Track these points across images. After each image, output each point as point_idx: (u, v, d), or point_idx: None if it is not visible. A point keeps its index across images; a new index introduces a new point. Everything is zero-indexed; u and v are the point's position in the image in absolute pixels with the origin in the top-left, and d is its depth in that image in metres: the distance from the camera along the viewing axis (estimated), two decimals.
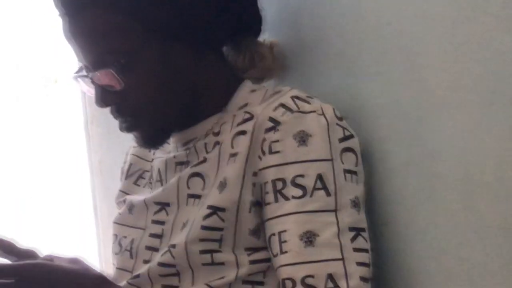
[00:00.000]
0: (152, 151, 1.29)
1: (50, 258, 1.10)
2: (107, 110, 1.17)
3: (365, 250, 1.05)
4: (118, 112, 1.16)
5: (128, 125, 1.17)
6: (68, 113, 2.19)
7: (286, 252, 1.04)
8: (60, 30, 1.17)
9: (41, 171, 2.23)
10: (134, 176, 1.33)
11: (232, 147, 1.12)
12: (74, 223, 2.17)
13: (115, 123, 1.20)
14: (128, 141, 1.39)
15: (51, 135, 2.20)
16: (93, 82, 1.14)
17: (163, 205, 1.19)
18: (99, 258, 1.95)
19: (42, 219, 2.27)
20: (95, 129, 1.93)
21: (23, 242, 1.08)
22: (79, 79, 1.18)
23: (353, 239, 1.04)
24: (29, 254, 1.05)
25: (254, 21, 1.23)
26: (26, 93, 2.32)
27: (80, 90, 1.96)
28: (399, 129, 1.07)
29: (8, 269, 0.90)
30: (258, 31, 1.25)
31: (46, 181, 2.21)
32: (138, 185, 1.31)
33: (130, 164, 1.34)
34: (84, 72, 1.17)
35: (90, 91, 1.18)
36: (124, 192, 1.33)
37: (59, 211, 2.20)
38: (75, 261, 0.98)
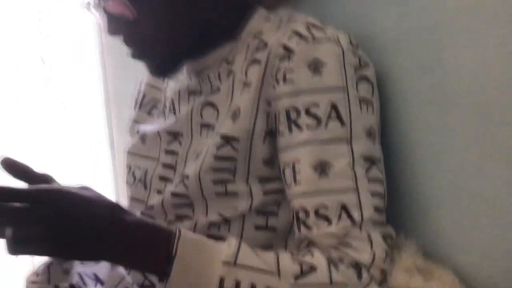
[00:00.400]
0: (166, 80, 1.28)
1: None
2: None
3: (380, 181, 1.04)
4: (130, 41, 1.15)
5: (138, 53, 1.15)
6: (84, 43, 2.17)
7: (299, 182, 1.03)
8: None
9: (57, 99, 2.22)
10: (148, 105, 1.32)
11: (246, 76, 1.10)
12: (91, 153, 2.17)
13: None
14: (143, 70, 1.38)
15: (67, 64, 2.19)
16: (105, 10, 1.12)
17: (176, 135, 1.18)
18: (115, 188, 1.95)
19: (59, 149, 2.28)
20: (110, 58, 1.91)
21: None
22: (91, 7, 1.16)
23: (368, 169, 1.03)
24: (44, 178, 1.04)
25: None
26: None
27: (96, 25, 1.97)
28: (416, 57, 1.05)
29: (23, 194, 0.89)
30: None
31: (63, 112, 2.21)
32: (151, 115, 1.30)
33: (144, 94, 1.33)
34: (95, 1, 1.15)
35: (101, 19, 1.16)
36: (137, 121, 1.32)
37: (76, 141, 2.20)
38: (86, 188, 0.98)
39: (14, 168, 1.01)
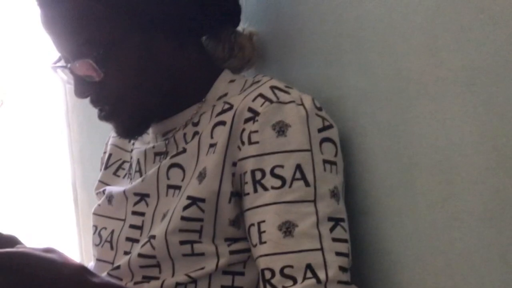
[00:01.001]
0: (132, 141, 1.29)
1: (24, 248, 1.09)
2: (87, 99, 1.17)
3: (344, 240, 1.05)
4: (97, 102, 1.16)
5: (106, 114, 1.16)
6: (49, 102, 2.18)
7: (265, 242, 1.04)
8: (37, 20, 1.16)
9: (22, 160, 2.21)
10: (114, 166, 1.32)
11: (212, 137, 1.12)
12: (55, 212, 2.16)
13: (95, 111, 1.19)
14: (109, 130, 1.39)
15: (32, 124, 2.19)
16: (71, 72, 1.14)
17: (142, 196, 1.18)
18: (80, 248, 1.94)
19: (22, 208, 2.26)
20: (75, 118, 1.92)
21: (2, 230, 1.07)
22: (57, 69, 1.17)
23: (332, 229, 1.04)
24: (10, 240, 1.04)
25: (234, 12, 1.23)
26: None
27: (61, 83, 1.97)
28: (378, 118, 1.07)
29: None
30: (237, 21, 1.25)
31: (27, 170, 2.20)
32: (118, 176, 1.31)
33: (110, 154, 1.34)
34: (62, 63, 1.16)
35: (68, 81, 1.18)
36: (103, 182, 1.33)
37: (40, 200, 2.19)
38: (50, 250, 0.97)
39: None
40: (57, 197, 2.15)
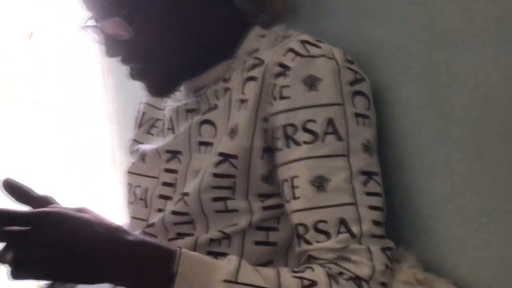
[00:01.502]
0: (164, 99, 1.29)
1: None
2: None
3: (378, 194, 1.04)
4: (127, 61, 1.16)
5: (137, 73, 1.17)
6: (85, 64, 2.19)
7: (298, 197, 1.04)
8: None
9: (61, 123, 2.24)
10: (147, 124, 1.33)
11: (243, 93, 1.11)
12: (95, 173, 2.19)
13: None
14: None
15: (70, 87, 2.20)
16: (101, 31, 1.14)
17: (175, 154, 1.19)
18: (118, 206, 1.96)
19: (62, 170, 2.29)
20: (111, 79, 1.93)
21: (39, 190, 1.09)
22: (88, 29, 1.17)
23: (365, 183, 1.03)
24: (45, 200, 1.05)
25: None
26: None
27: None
28: (412, 71, 1.06)
29: (22, 217, 0.90)
30: None
31: (66, 132, 2.22)
32: (151, 134, 1.31)
33: (143, 113, 1.35)
34: (92, 22, 1.16)
35: (99, 41, 1.18)
36: (137, 141, 1.33)
37: (78, 162, 2.21)
38: (84, 210, 0.98)
39: (15, 190, 1.02)
40: (96, 158, 2.17)
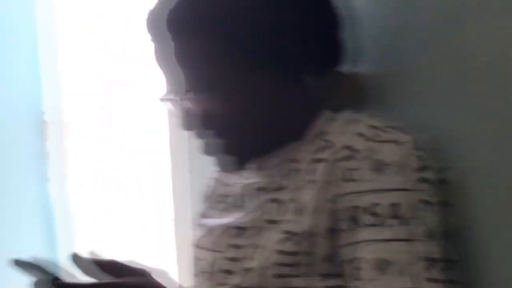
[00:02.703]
0: (233, 176, 1.33)
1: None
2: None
3: (440, 281, 1.05)
4: (203, 135, 1.20)
5: (210, 148, 1.21)
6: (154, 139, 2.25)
7: (359, 279, 1.05)
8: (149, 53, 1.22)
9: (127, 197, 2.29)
10: (214, 200, 1.36)
11: (310, 174, 1.14)
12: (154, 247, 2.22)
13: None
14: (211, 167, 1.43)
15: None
16: (181, 105, 1.19)
17: (241, 229, 1.21)
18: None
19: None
20: (178, 156, 1.98)
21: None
22: (168, 101, 1.22)
23: (427, 269, 1.04)
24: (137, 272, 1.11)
25: (338, 52, 1.25)
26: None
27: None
28: (484, 163, 1.07)
29: None
30: (340, 62, 1.26)
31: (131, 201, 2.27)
32: (218, 209, 1.34)
33: (212, 188, 1.38)
34: (172, 95, 1.21)
35: (176, 114, 1.23)
36: (203, 215, 1.36)
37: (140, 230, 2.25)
38: (144, 273, 1.04)
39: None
40: (158, 231, 2.21)
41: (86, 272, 1.13)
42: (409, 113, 1.23)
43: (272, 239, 1.14)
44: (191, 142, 1.84)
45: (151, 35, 1.21)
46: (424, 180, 1.08)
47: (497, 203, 1.06)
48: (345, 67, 1.28)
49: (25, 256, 1.05)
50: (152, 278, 1.04)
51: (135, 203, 2.34)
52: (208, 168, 1.42)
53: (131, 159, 2.39)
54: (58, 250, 2.79)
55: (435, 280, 1.04)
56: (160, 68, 1.21)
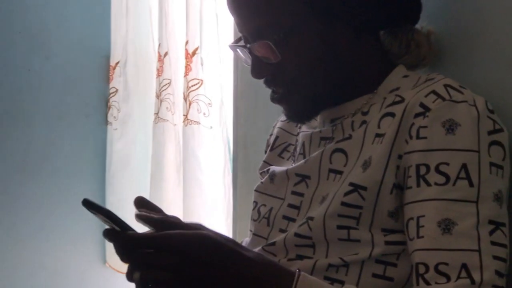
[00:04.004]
0: (298, 125, 1.33)
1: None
2: (255, 85, 1.21)
3: (503, 245, 1.04)
4: (272, 84, 1.21)
5: (279, 97, 1.21)
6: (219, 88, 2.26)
7: (422, 236, 1.05)
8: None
9: (191, 138, 2.30)
10: (279, 148, 1.36)
11: (379, 127, 1.13)
12: (215, 191, 2.24)
13: (261, 98, 1.23)
14: (272, 117, 1.43)
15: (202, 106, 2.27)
16: (250, 52, 1.19)
17: (303, 177, 1.22)
18: (233, 227, 2.00)
19: (180, 189, 2.36)
20: (243, 103, 1.99)
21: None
22: (237, 49, 1.23)
23: (492, 232, 1.03)
24: (171, 222, 1.12)
25: (414, 9, 1.24)
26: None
27: (232, 68, 2.05)
28: None
29: (150, 241, 0.97)
30: (416, 19, 1.25)
31: (196, 147, 2.28)
32: (282, 157, 1.35)
33: (276, 137, 1.38)
34: (242, 43, 1.21)
35: (246, 61, 1.23)
36: (267, 163, 1.37)
37: (203, 179, 2.27)
38: (200, 227, 1.06)
39: (147, 207, 1.09)
40: (219, 176, 2.22)
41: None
42: (476, 74, 1.22)
43: (335, 189, 1.14)
44: (255, 95, 1.86)
45: None
46: (495, 143, 1.07)
47: None
48: (421, 24, 1.27)
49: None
50: (211, 230, 1.07)
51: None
52: (271, 119, 1.43)
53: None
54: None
55: (499, 244, 1.03)
56: (233, 15, 1.21)
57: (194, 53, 2.25)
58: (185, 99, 2.27)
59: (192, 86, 2.25)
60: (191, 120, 2.25)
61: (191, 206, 2.25)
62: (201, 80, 2.24)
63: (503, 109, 1.13)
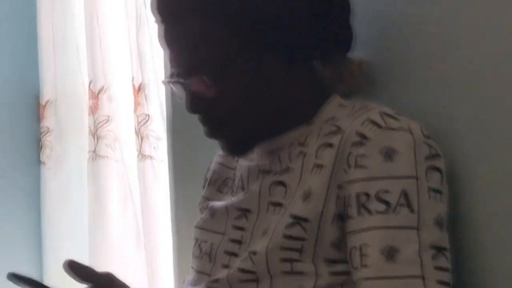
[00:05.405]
0: (236, 159, 1.32)
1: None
2: (191, 120, 1.21)
3: (446, 269, 1.05)
4: (206, 119, 1.20)
5: (214, 131, 1.20)
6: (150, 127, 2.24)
7: (366, 265, 1.05)
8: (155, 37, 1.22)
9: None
10: (217, 183, 1.35)
11: (317, 158, 1.13)
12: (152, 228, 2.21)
13: (199, 132, 1.23)
14: (210, 151, 1.42)
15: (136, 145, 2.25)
16: (185, 87, 1.18)
17: (244, 211, 1.21)
18: (174, 266, 1.98)
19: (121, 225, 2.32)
20: (179, 138, 1.97)
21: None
22: (171, 84, 1.22)
23: (434, 257, 1.04)
24: (107, 277, 1.13)
25: (346, 38, 1.24)
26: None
27: (164, 101, 2.04)
28: (487, 150, 1.07)
29: None
30: (348, 48, 1.26)
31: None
32: (221, 192, 1.33)
33: (214, 172, 1.37)
34: (176, 78, 1.20)
35: (180, 96, 1.22)
36: (207, 198, 1.36)
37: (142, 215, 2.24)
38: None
39: (78, 270, 1.13)
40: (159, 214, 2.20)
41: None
42: (409, 101, 1.24)
43: (276, 221, 1.13)
44: (189, 131, 1.84)
45: (157, 16, 1.20)
46: (434, 168, 1.08)
47: (491, 193, 1.08)
48: (353, 54, 1.28)
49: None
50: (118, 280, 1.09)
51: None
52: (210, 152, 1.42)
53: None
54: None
55: (442, 269, 1.04)
56: (165, 50, 1.21)
57: (140, 88, 2.23)
58: (136, 134, 2.25)
59: (141, 121, 2.23)
60: (144, 155, 2.23)
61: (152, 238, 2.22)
62: (148, 115, 2.23)
63: (438, 134, 1.14)
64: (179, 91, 1.21)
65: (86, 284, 1.16)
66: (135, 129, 2.26)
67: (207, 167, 1.42)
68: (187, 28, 1.16)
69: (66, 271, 1.14)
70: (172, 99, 1.96)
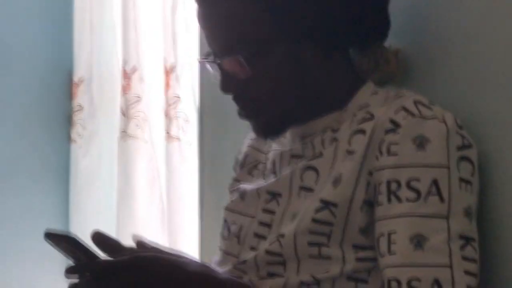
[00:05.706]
0: (268, 143, 1.32)
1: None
2: (222, 101, 1.22)
3: (474, 260, 1.05)
4: (240, 99, 1.21)
5: (247, 113, 1.21)
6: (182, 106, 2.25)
7: (394, 253, 1.05)
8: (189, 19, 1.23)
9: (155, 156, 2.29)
10: (249, 166, 1.36)
11: (350, 144, 1.14)
12: (180, 212, 2.23)
13: (230, 114, 1.24)
14: (241, 133, 1.43)
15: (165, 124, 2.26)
16: (220, 67, 1.19)
17: (274, 195, 1.21)
18: (200, 247, 1.99)
19: (149, 206, 2.35)
20: (209, 119, 1.98)
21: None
22: (206, 63, 1.23)
23: (463, 247, 1.04)
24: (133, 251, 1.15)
25: (382, 26, 1.24)
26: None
27: (197, 81, 2.05)
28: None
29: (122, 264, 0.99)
30: (385, 36, 1.26)
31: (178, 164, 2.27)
32: (251, 175, 1.34)
33: (246, 155, 1.38)
34: (212, 57, 1.21)
35: (215, 76, 1.23)
36: (237, 180, 1.36)
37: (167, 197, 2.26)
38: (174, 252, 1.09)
39: (104, 243, 1.15)
40: (184, 197, 2.21)
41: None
42: (443, 90, 1.24)
43: (305, 206, 1.14)
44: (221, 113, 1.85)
45: None
46: (464, 158, 1.08)
47: None
48: (388, 42, 1.28)
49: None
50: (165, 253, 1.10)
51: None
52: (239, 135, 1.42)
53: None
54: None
55: (469, 259, 1.05)
56: (203, 29, 1.22)
57: (171, 69, 2.24)
58: (166, 115, 2.26)
59: (171, 102, 2.24)
60: (172, 137, 2.24)
61: (177, 220, 2.24)
62: (179, 97, 2.24)
63: (470, 125, 1.14)
64: (214, 70, 1.22)
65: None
66: (164, 110, 2.27)
67: (235, 149, 1.43)
68: (226, 8, 1.17)
69: (94, 242, 1.15)
70: (202, 81, 1.98)
